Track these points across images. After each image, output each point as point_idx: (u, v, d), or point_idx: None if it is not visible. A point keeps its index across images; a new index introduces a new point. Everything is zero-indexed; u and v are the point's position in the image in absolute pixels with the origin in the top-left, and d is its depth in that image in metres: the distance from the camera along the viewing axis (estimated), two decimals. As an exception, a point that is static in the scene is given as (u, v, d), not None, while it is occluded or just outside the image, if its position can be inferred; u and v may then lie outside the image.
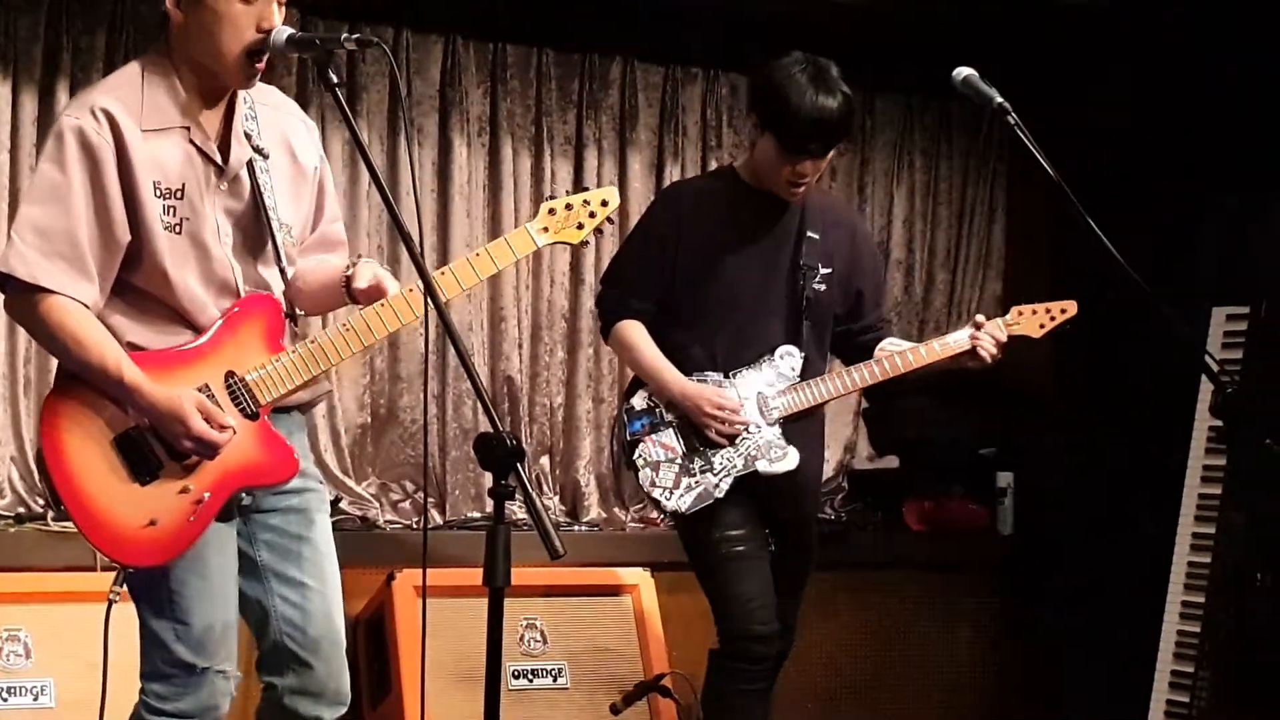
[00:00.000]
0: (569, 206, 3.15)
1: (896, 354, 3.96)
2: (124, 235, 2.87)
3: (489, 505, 4.95)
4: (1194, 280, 5.27)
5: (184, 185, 2.91)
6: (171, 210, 2.89)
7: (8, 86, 4.74)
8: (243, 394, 2.96)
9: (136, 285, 2.92)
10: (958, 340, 3.94)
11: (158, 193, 2.88)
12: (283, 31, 2.90)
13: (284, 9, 2.88)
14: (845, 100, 3.79)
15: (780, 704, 4.26)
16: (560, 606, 4.73)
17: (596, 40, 5.55)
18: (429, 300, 2.71)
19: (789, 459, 3.92)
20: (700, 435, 3.91)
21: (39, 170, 2.88)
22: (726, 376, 3.94)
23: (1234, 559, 4.72)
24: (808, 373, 3.99)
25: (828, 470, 5.92)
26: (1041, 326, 4.04)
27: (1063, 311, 4.04)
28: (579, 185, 5.55)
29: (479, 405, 4.78)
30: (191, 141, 2.92)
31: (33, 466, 4.64)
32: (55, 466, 2.89)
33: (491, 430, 2.63)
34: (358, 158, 5.14)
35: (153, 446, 2.90)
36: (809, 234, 3.98)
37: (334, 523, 4.80)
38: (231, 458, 2.93)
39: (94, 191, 2.84)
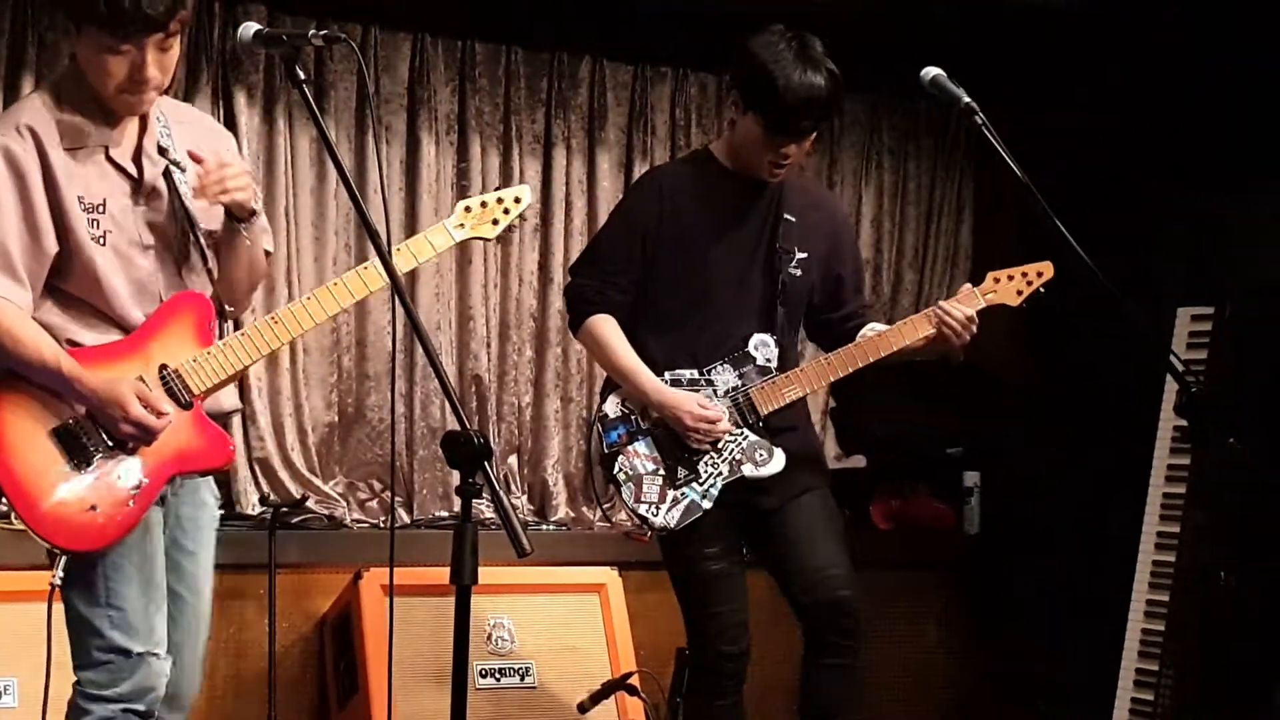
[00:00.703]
0: (484, 204, 3.34)
1: (868, 341, 3.84)
2: (51, 246, 3.00)
3: (457, 504, 4.95)
4: (1160, 281, 5.30)
5: (105, 200, 3.04)
6: (95, 223, 3.03)
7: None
8: (176, 384, 3.07)
9: (68, 291, 3.05)
10: (922, 330, 3.82)
11: (83, 206, 3.01)
12: (249, 28, 2.90)
13: (170, 52, 2.98)
14: (832, 77, 3.68)
15: (748, 701, 4.27)
16: (528, 605, 4.73)
17: (565, 39, 5.54)
18: (396, 300, 2.70)
19: (775, 460, 3.81)
20: (681, 442, 3.80)
21: None
22: (702, 372, 3.85)
23: (1198, 558, 4.75)
24: (783, 361, 3.88)
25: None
26: (1019, 292, 3.89)
27: (1039, 274, 3.88)
28: (548, 185, 5.57)
29: (447, 404, 4.78)
30: (109, 159, 3.05)
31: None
32: None
33: (459, 428, 2.63)
34: (325, 155, 5.12)
35: (91, 435, 3.00)
36: (786, 216, 3.87)
37: (301, 521, 4.88)
38: (168, 444, 3.04)
39: (22, 205, 2.97)
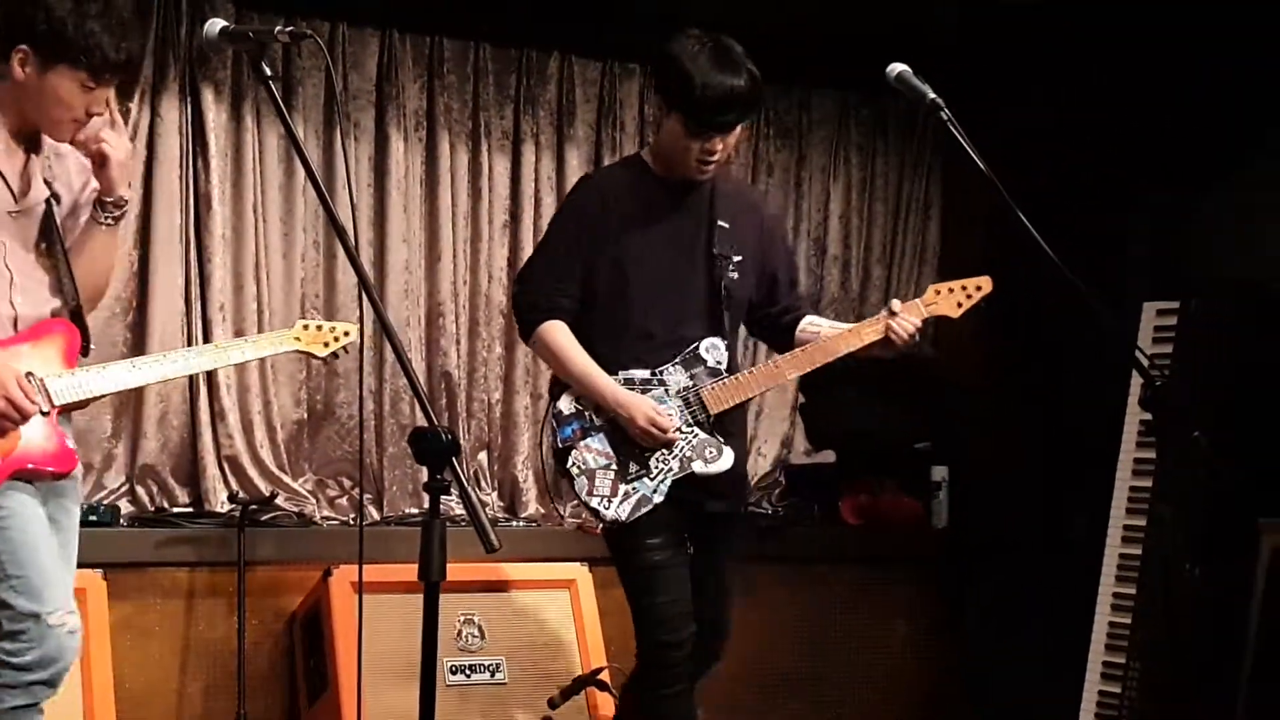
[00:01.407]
0: (319, 328, 3.76)
1: (817, 346, 3.94)
2: None
3: (426, 501, 4.94)
4: (1125, 276, 5.33)
5: None
6: None
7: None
8: (40, 390, 3.21)
9: None
10: (872, 335, 3.92)
11: None
12: (215, 24, 2.90)
13: (125, 99, 3.14)
14: (751, 77, 3.75)
15: (717, 697, 4.28)
16: (498, 602, 4.73)
17: (534, 35, 5.54)
18: (365, 297, 2.70)
19: (724, 458, 3.88)
20: (633, 439, 3.86)
21: None
22: (653, 373, 3.90)
23: (1163, 551, 4.78)
24: (731, 363, 3.99)
25: (764, 465, 5.96)
26: (959, 305, 4.00)
27: (979, 289, 4.00)
28: (517, 181, 5.56)
29: (416, 401, 4.77)
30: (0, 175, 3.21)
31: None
32: None
33: (427, 425, 2.63)
34: (293, 153, 5.11)
35: None
36: (720, 223, 3.94)
37: (270, 519, 4.87)
38: (19, 440, 3.19)
39: None
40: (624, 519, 3.81)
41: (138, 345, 4.93)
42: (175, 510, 4.93)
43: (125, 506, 4.90)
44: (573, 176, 5.60)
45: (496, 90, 5.52)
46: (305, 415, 5.25)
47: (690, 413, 3.89)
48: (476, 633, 4.66)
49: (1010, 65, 5.76)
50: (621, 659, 4.52)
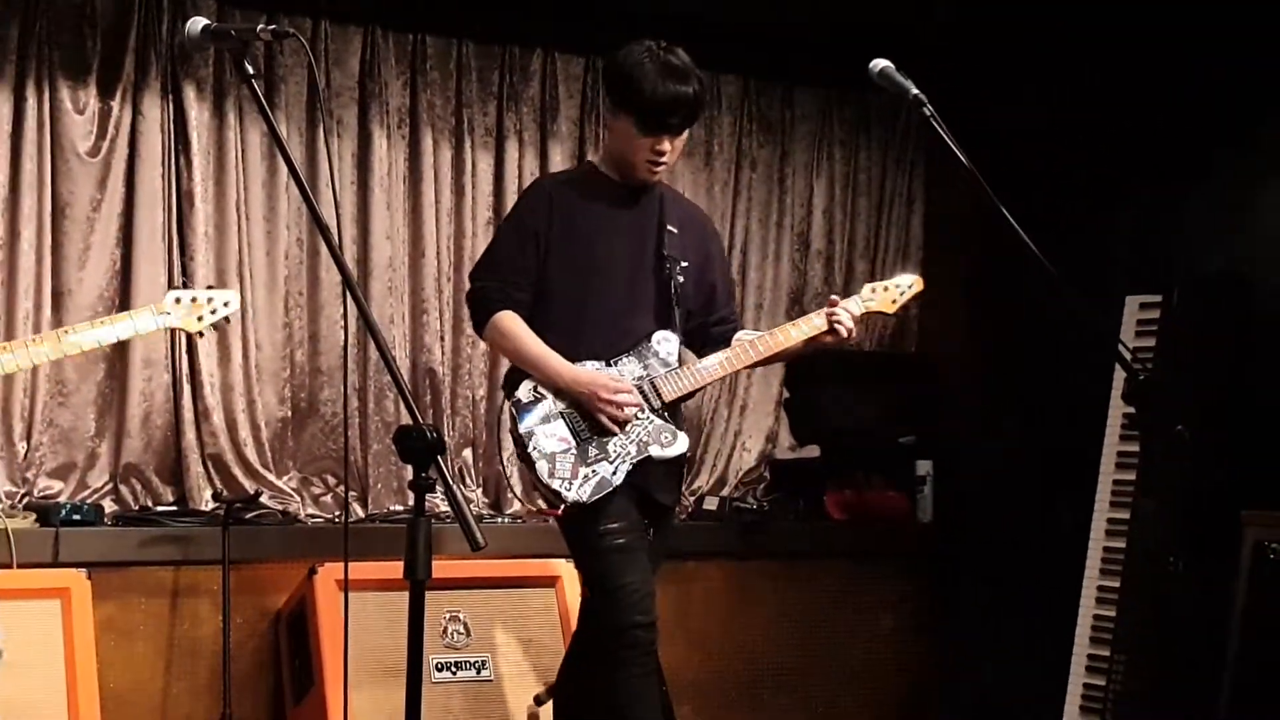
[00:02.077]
0: (194, 299, 3.61)
1: (765, 335, 4.10)
2: None
3: (411, 498, 4.94)
4: (1108, 270, 5.34)
5: None
6: None
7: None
8: None
9: None
10: (817, 324, 4.09)
11: None
12: (198, 22, 2.90)
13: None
14: (697, 83, 3.93)
15: (703, 692, 4.28)
16: (484, 599, 4.73)
17: (516, 32, 5.54)
18: (348, 295, 2.70)
19: (680, 443, 3.99)
20: (591, 423, 3.94)
21: None
22: (608, 365, 4.00)
23: (1147, 544, 4.80)
24: (680, 359, 4.09)
25: (750, 460, 5.97)
26: (894, 301, 4.24)
27: (910, 286, 4.26)
28: (500, 178, 5.56)
29: (400, 399, 4.76)
30: None
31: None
32: None
33: (411, 422, 2.63)
34: (275, 150, 5.10)
35: None
36: (669, 227, 4.10)
37: (255, 517, 4.87)
38: None
39: None
40: (585, 500, 3.87)
41: (120, 345, 4.90)
42: (159, 509, 4.91)
43: (109, 505, 4.89)
44: (556, 173, 5.61)
45: (480, 87, 5.52)
46: (289, 413, 5.24)
47: (645, 400, 3.99)
48: (462, 630, 4.66)
49: (993, 62, 5.78)
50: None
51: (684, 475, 4.36)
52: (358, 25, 5.29)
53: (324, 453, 5.28)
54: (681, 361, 4.09)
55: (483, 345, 5.53)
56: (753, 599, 5.50)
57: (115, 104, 4.92)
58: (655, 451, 3.96)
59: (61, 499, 4.77)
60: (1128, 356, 3.26)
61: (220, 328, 3.72)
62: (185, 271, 5.01)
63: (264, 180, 5.18)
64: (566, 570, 4.89)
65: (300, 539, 4.92)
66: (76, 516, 4.61)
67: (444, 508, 4.64)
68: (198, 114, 5.01)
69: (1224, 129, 5.20)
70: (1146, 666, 4.77)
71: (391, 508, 5.31)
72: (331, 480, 5.28)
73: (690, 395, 4.09)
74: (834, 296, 4.16)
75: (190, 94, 5.00)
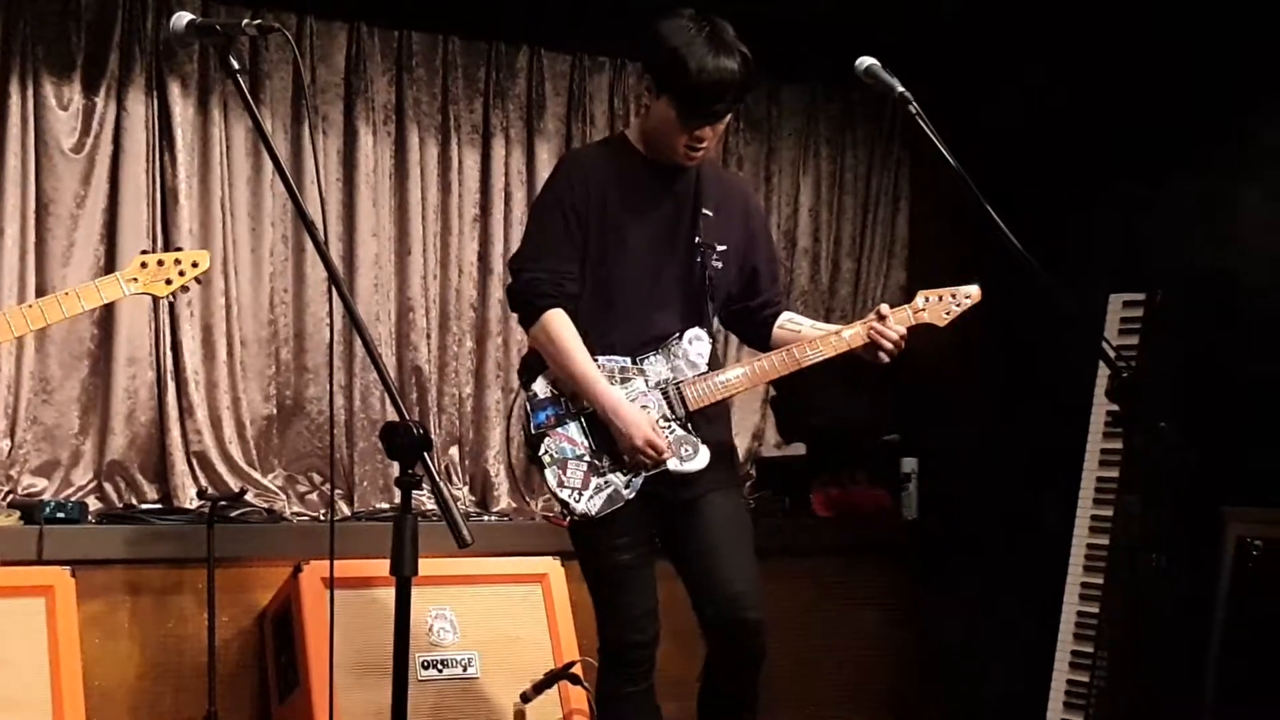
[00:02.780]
0: (160, 263, 3.48)
1: (802, 349, 3.84)
2: None
3: (398, 496, 4.93)
4: (1091, 268, 5.36)
5: None
6: None
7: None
8: None
9: None
10: (857, 335, 3.84)
11: None
12: (182, 17, 2.89)
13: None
14: (744, 60, 3.65)
15: (688, 689, 4.27)
16: (470, 596, 4.73)
17: (503, 28, 5.53)
18: (334, 292, 2.70)
19: (700, 457, 3.76)
20: (611, 442, 3.73)
21: None
22: (634, 362, 3.80)
23: (1130, 540, 4.81)
24: (713, 356, 3.88)
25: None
26: (947, 314, 3.96)
27: (968, 298, 3.96)
28: (487, 175, 5.56)
29: (386, 396, 4.76)
30: None
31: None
32: None
33: (398, 420, 2.63)
34: (261, 147, 5.09)
35: None
36: (704, 211, 3.83)
37: (240, 515, 4.86)
38: None
39: None
40: (594, 514, 3.71)
41: (105, 341, 4.91)
42: (144, 507, 4.90)
43: (93, 503, 4.88)
44: (543, 170, 5.59)
45: (466, 84, 5.51)
46: (274, 410, 5.24)
47: (669, 406, 3.80)
48: (448, 627, 4.66)
49: (977, 59, 5.79)
50: (594, 653, 4.52)
51: (728, 460, 3.96)
52: (343, 21, 5.29)
53: (309, 450, 5.27)
54: (712, 365, 3.85)
55: (469, 343, 5.54)
56: (738, 596, 5.50)
57: (99, 100, 4.90)
58: (673, 465, 3.74)
59: (46, 497, 4.76)
60: (1111, 354, 3.27)
61: (187, 290, 3.57)
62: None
63: (249, 177, 5.17)
64: (553, 568, 4.90)
65: (286, 537, 4.91)
66: (61, 514, 4.59)
67: (430, 505, 4.63)
68: (182, 110, 5.00)
69: (1207, 125, 5.22)
70: (1130, 663, 4.78)
71: (377, 505, 5.30)
72: (317, 478, 5.28)
73: (716, 403, 3.83)
74: (883, 306, 3.86)
75: (175, 90, 4.99)
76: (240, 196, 5.15)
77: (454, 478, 5.49)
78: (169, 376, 4.98)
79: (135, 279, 3.43)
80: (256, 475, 5.11)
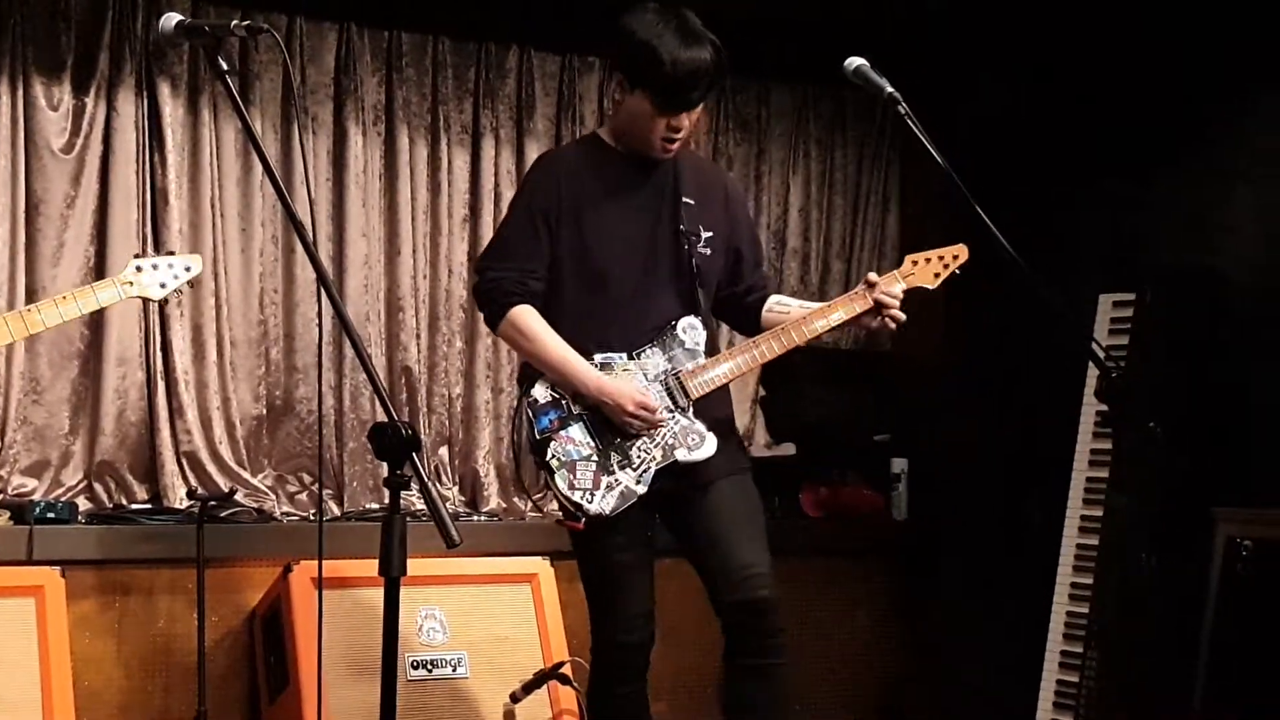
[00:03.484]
0: (155, 266, 3.52)
1: (795, 324, 3.81)
2: None
3: (387, 496, 4.93)
4: (1081, 268, 5.37)
5: None
6: None
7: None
8: None
9: None
10: (863, 301, 3.80)
11: None
12: (172, 18, 2.89)
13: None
14: (715, 50, 3.66)
15: (677, 689, 4.29)
16: (460, 596, 4.73)
17: (493, 29, 5.53)
18: (324, 292, 2.70)
19: (707, 445, 3.75)
20: (614, 427, 3.72)
21: None
22: (631, 357, 3.79)
23: (1120, 540, 4.82)
24: (710, 344, 3.87)
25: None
26: (936, 275, 3.91)
27: (955, 258, 3.91)
28: (476, 175, 5.56)
29: (376, 396, 4.75)
30: None
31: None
32: None
33: (387, 420, 2.63)
34: (250, 147, 5.08)
35: None
36: (685, 199, 3.83)
37: (229, 515, 4.86)
38: None
39: None
40: (608, 513, 3.68)
41: (95, 342, 4.91)
42: (134, 507, 4.89)
43: (83, 503, 4.87)
44: (533, 170, 5.60)
45: (455, 84, 5.51)
46: (264, 411, 5.23)
47: (670, 398, 3.78)
48: (438, 627, 4.65)
49: (967, 59, 5.80)
50: (583, 653, 4.52)
51: (733, 445, 3.94)
52: (333, 22, 5.28)
53: (299, 450, 5.27)
54: (710, 351, 3.84)
55: (459, 343, 5.54)
56: (728, 596, 5.50)
57: (89, 100, 4.90)
58: (682, 456, 3.73)
59: (36, 497, 4.75)
60: (1101, 354, 3.27)
61: (181, 293, 3.62)
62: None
63: (238, 177, 5.17)
64: (542, 568, 4.90)
65: (275, 537, 4.90)
66: (51, 514, 4.59)
67: (420, 505, 4.64)
68: (172, 110, 5.00)
69: (1196, 124, 5.23)
70: (1119, 663, 4.79)
71: (367, 506, 5.30)
72: (307, 478, 5.27)
73: (718, 389, 3.83)
74: (871, 275, 3.82)
75: (165, 90, 4.99)
76: (230, 197, 5.15)
77: (443, 478, 5.49)
78: (159, 377, 4.98)
79: (130, 282, 3.46)
80: (246, 475, 5.11)
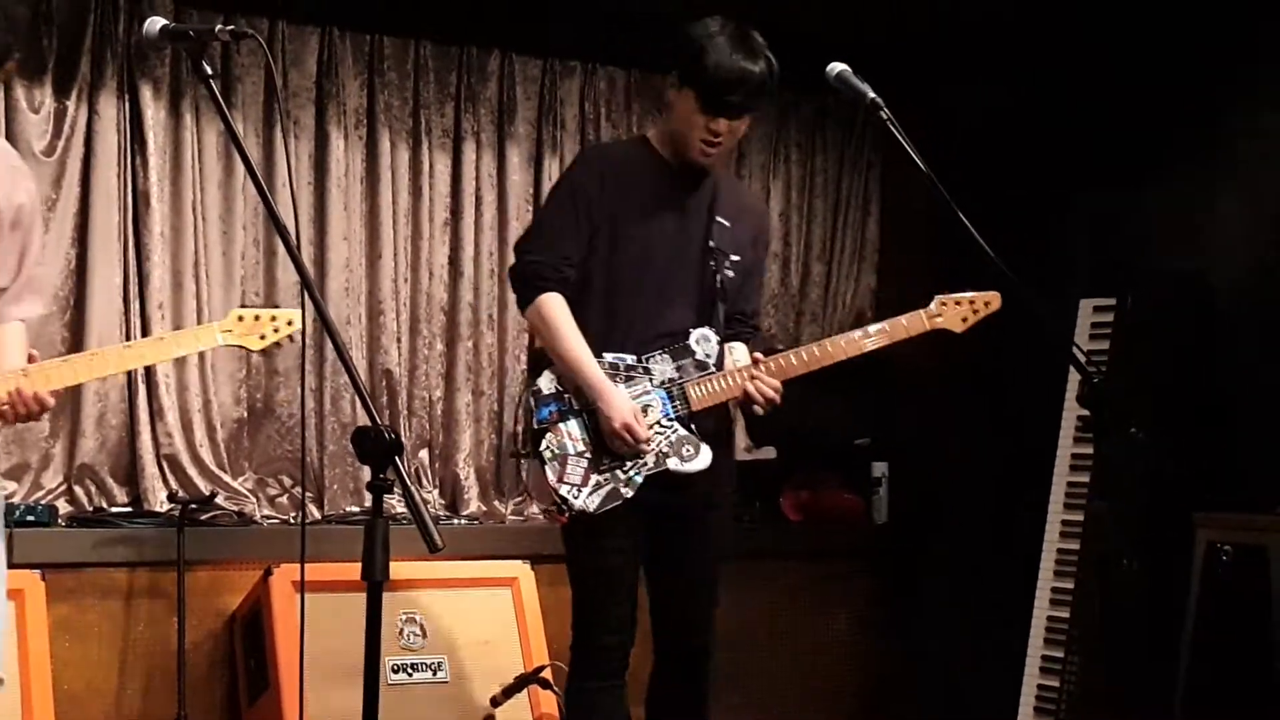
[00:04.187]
0: (257, 318, 3.49)
1: (810, 349, 3.91)
2: None
3: (368, 500, 4.92)
4: (1062, 273, 5.38)
5: None
6: None
7: None
8: None
9: None
10: (870, 344, 3.93)
11: None
12: (156, 22, 2.89)
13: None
14: (767, 65, 3.75)
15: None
16: (440, 600, 4.72)
17: (474, 33, 5.53)
18: (305, 294, 2.70)
19: (701, 457, 3.77)
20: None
21: None
22: (640, 360, 3.81)
23: (1101, 545, 4.84)
24: (720, 358, 3.89)
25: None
26: (964, 320, 3.95)
27: (986, 305, 3.94)
28: (458, 179, 5.55)
29: (357, 399, 4.75)
30: None
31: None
32: None
33: (369, 424, 2.63)
34: (233, 150, 5.08)
35: None
36: (719, 219, 3.89)
37: (210, 518, 4.85)
38: None
39: None
40: (592, 510, 3.71)
41: (76, 344, 4.88)
42: (114, 510, 4.88)
43: (63, 506, 4.86)
44: (514, 174, 5.60)
45: (437, 88, 5.51)
46: (245, 414, 5.22)
47: (672, 406, 3.80)
48: (418, 631, 4.65)
49: (949, 64, 5.81)
50: (565, 657, 4.52)
51: (728, 477, 4.01)
52: (315, 26, 5.28)
53: (280, 454, 5.26)
54: (720, 364, 3.86)
55: (439, 346, 5.53)
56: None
57: (71, 103, 4.88)
58: (674, 465, 3.75)
59: (15, 500, 4.73)
60: (1082, 359, 3.29)
61: (280, 346, 3.60)
62: (141, 272, 4.99)
63: (220, 180, 5.16)
64: (523, 571, 4.90)
65: (256, 540, 4.90)
66: (30, 517, 4.58)
67: (401, 508, 4.63)
68: (154, 114, 4.99)
69: (1178, 129, 5.25)
70: (1100, 668, 4.80)
71: (347, 509, 5.29)
72: (288, 481, 5.26)
73: (720, 405, 3.86)
74: (756, 355, 3.87)
75: (147, 94, 4.98)
76: (212, 200, 5.14)
77: (424, 481, 5.48)
78: (140, 379, 4.96)
79: (230, 330, 3.45)
80: (227, 478, 5.10)
